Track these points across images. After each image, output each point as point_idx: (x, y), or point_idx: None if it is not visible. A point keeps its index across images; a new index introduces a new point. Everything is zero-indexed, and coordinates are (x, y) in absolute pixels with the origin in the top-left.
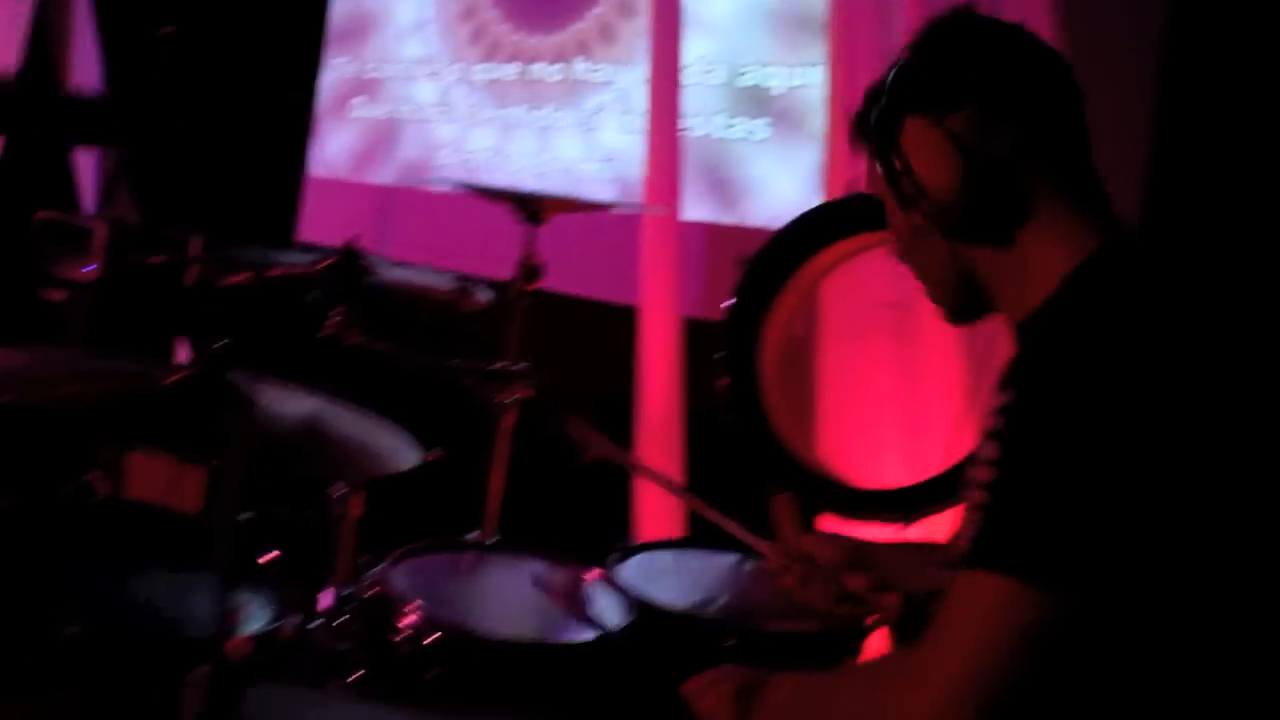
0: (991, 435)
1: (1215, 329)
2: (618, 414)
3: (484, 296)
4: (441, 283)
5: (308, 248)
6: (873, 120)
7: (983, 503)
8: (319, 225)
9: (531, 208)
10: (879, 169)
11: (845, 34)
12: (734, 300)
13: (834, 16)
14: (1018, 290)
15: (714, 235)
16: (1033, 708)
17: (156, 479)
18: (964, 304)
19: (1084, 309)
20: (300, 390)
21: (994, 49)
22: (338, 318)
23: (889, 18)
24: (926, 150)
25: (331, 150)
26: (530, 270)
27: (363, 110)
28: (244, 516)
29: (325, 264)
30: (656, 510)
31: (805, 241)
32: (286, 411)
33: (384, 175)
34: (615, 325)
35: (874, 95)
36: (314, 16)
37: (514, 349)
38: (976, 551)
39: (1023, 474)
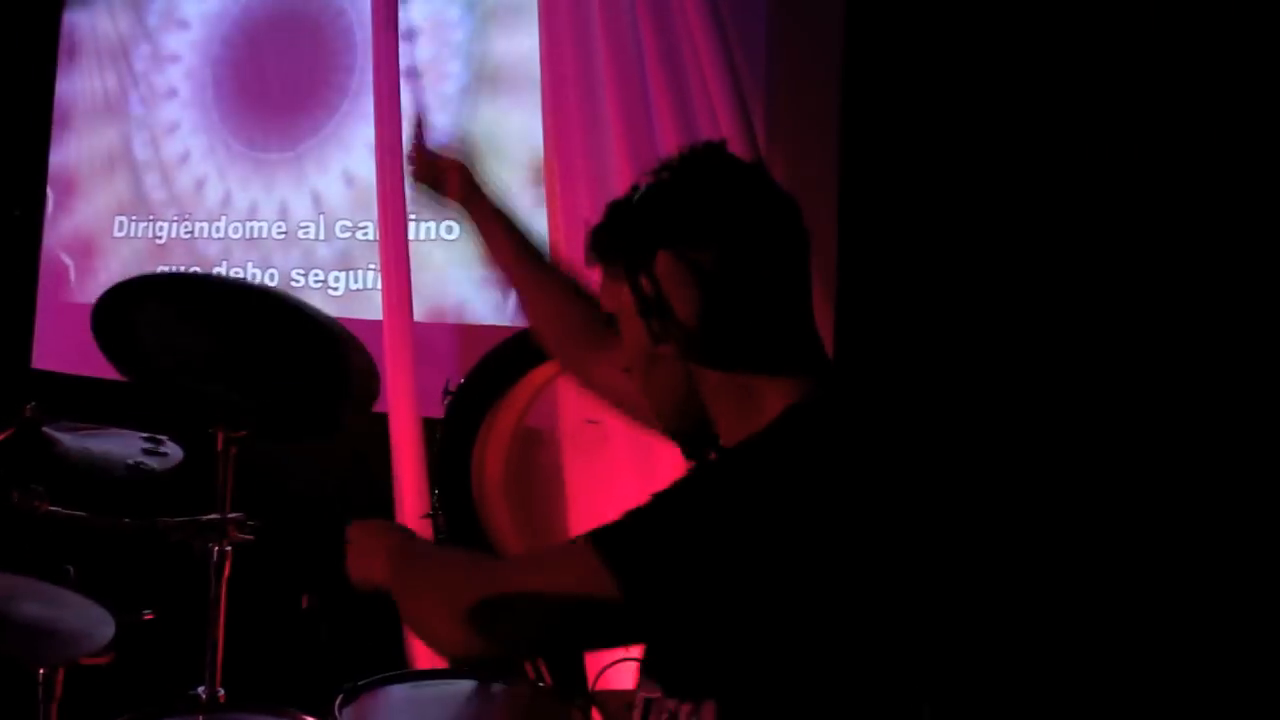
0: None
1: (872, 481)
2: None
3: (175, 456)
4: (128, 447)
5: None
6: (620, 245)
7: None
8: (60, 351)
9: None
10: (619, 289)
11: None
12: (443, 435)
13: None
14: (739, 417)
15: (462, 334)
16: None
17: None
18: (687, 421)
19: (785, 442)
20: None
21: (740, 191)
22: (21, 491)
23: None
24: (674, 281)
25: (69, 273)
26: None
27: (104, 231)
28: None
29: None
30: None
31: (510, 366)
32: None
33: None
34: (372, 434)
35: (619, 218)
36: (36, 136)
37: (225, 498)
38: (600, 530)
39: (666, 512)
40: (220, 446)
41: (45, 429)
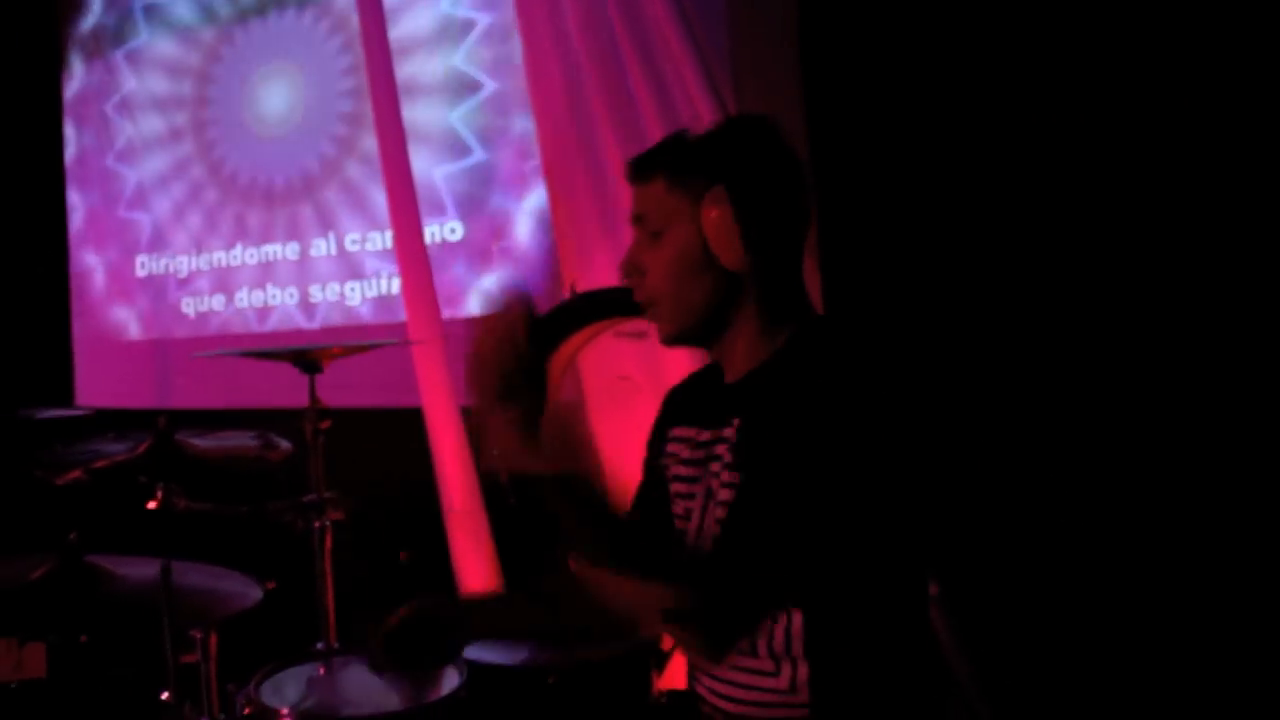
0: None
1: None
2: (428, 508)
3: (285, 446)
4: (247, 442)
5: (99, 416)
6: (698, 169)
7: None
8: (98, 388)
9: (307, 359)
10: (667, 204)
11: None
12: None
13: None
14: (755, 341)
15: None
16: None
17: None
18: (698, 331)
19: (817, 363)
20: (147, 557)
21: (785, 150)
22: (161, 490)
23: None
24: (741, 210)
25: (98, 313)
26: (319, 412)
27: (126, 271)
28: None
29: (144, 447)
30: (476, 584)
31: (543, 341)
32: (142, 576)
33: (152, 331)
34: (407, 427)
35: (689, 148)
36: (51, 185)
37: (319, 481)
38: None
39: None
40: (310, 438)
41: (178, 436)
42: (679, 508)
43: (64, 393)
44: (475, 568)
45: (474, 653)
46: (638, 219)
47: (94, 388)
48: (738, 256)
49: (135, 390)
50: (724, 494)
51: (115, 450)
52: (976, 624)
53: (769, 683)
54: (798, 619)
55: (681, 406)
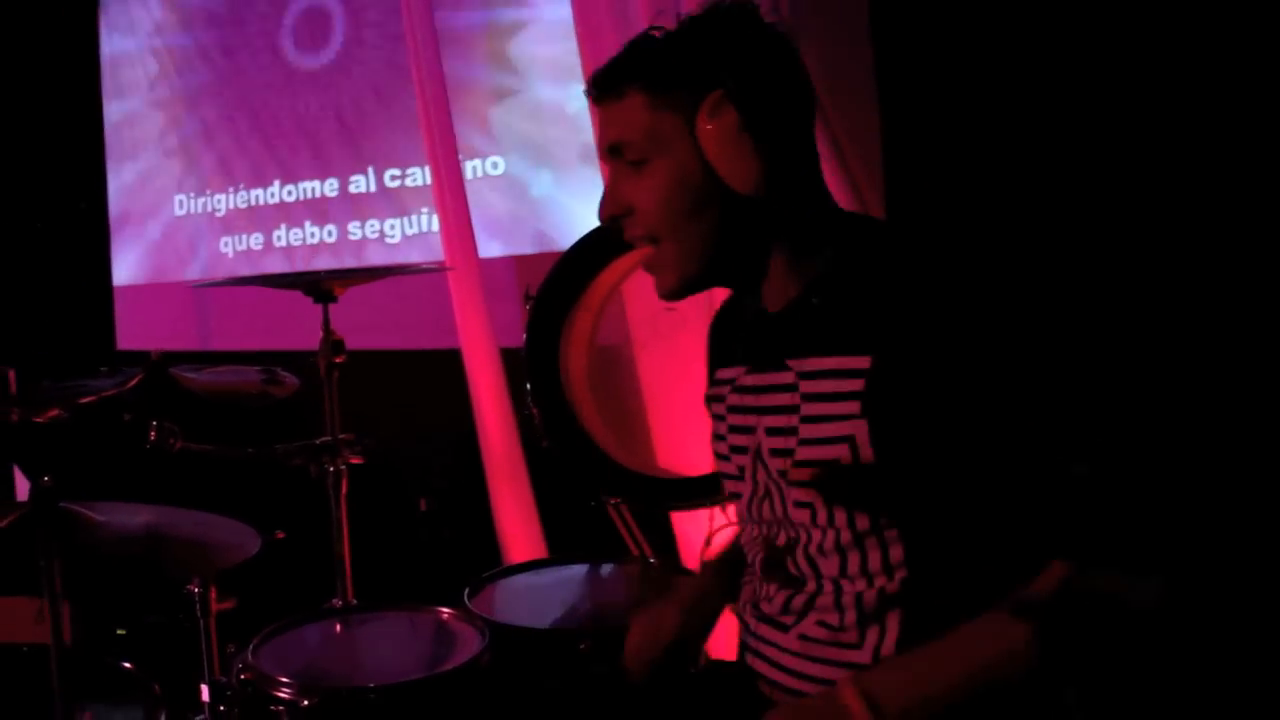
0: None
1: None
2: (469, 452)
3: (291, 381)
4: (249, 377)
5: (125, 358)
6: (675, 79)
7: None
8: (139, 331)
9: (320, 289)
10: (665, 122)
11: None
12: (528, 334)
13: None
14: (781, 275)
15: (521, 266)
16: None
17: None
18: (710, 277)
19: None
20: (137, 503)
21: (780, 41)
22: (156, 429)
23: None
24: (738, 119)
25: (138, 256)
26: (333, 345)
27: (165, 211)
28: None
29: (134, 382)
30: (519, 539)
31: (582, 268)
32: (127, 525)
33: (192, 272)
34: (446, 370)
35: (667, 50)
36: (89, 125)
37: (334, 421)
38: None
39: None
40: (323, 374)
41: (172, 370)
42: (730, 465)
43: (105, 337)
44: (514, 514)
45: (500, 615)
46: (613, 148)
47: (135, 332)
48: (751, 175)
49: (178, 335)
50: (807, 451)
51: (102, 386)
52: None
53: (849, 655)
54: (899, 575)
55: (724, 342)
